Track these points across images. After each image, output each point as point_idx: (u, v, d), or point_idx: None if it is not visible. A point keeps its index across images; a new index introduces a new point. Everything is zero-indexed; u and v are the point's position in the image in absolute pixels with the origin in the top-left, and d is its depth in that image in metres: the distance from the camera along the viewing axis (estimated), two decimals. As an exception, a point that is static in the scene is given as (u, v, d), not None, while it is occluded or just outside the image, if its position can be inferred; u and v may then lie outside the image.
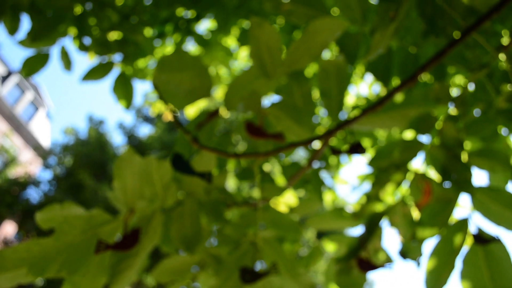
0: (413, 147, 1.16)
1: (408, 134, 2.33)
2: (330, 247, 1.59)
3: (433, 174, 1.24)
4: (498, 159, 1.11)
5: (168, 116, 3.37)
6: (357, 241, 1.16)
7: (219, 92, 3.80)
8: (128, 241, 0.76)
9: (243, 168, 1.32)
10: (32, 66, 1.93)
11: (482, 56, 1.21)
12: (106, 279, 0.83)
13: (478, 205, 1.12)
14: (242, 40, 2.46)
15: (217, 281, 0.99)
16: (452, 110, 1.16)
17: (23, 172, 14.02)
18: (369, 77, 3.04)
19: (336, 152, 0.92)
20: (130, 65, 2.25)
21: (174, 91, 0.92)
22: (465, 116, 1.19)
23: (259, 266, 1.07)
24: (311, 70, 2.81)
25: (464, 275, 1.08)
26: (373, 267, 1.03)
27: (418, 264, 1.17)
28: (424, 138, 1.21)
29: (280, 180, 2.22)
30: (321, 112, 2.78)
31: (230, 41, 3.01)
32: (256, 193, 1.16)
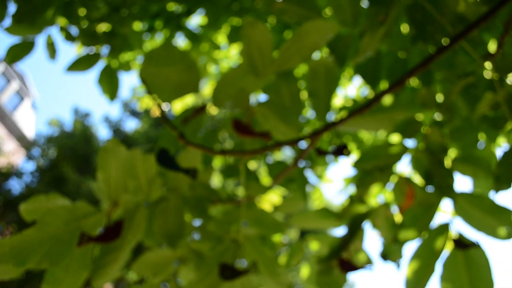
0: (398, 151, 1.17)
1: (394, 138, 2.35)
2: (312, 246, 1.60)
3: (417, 178, 1.26)
4: (481, 165, 1.13)
5: (156, 111, 3.34)
6: (339, 242, 1.17)
7: (207, 88, 3.79)
8: (111, 234, 0.75)
9: (228, 166, 1.32)
10: (17, 53, 1.90)
11: (469, 64, 1.22)
12: (88, 273, 0.82)
13: (459, 211, 1.14)
14: (232, 37, 2.46)
15: (197, 276, 0.98)
16: (438, 115, 1.17)
17: (6, 162, 13.80)
18: (358, 79, 3.06)
19: (322, 153, 0.92)
20: (117, 58, 2.22)
21: (162, 85, 0.91)
22: (450, 122, 1.20)
23: (240, 264, 1.07)
24: (300, 70, 2.81)
25: (443, 279, 1.09)
26: (354, 268, 1.04)
27: (398, 266, 1.18)
28: (410, 142, 1.22)
29: (265, 179, 2.22)
30: (309, 113, 2.79)
31: (221, 38, 3.01)
32: (240, 191, 1.15)
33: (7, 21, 1.81)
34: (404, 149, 1.17)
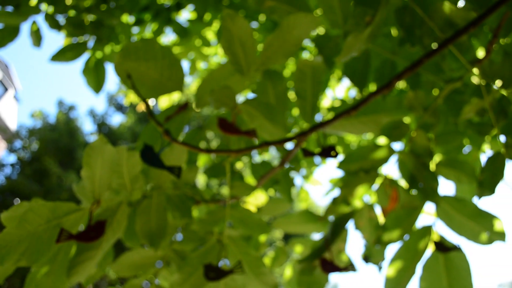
0: (384, 153, 1.17)
1: (380, 140, 2.36)
2: (296, 249, 1.60)
3: (401, 181, 1.26)
4: (465, 170, 1.14)
5: (141, 106, 3.29)
6: (322, 242, 1.17)
7: (195, 85, 3.76)
8: (93, 233, 0.73)
9: (213, 165, 1.31)
10: (0, 39, 1.85)
11: (457, 69, 1.23)
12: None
13: (442, 214, 1.14)
14: (221, 34, 2.44)
15: (180, 277, 0.97)
16: (424, 119, 1.18)
17: (-14, 153, 13.53)
18: (346, 81, 3.07)
19: (309, 154, 0.91)
20: (104, 48, 2.18)
21: (140, 81, 0.89)
22: (436, 126, 1.21)
23: (225, 264, 1.06)
24: (288, 70, 2.81)
25: (423, 281, 1.10)
26: (336, 268, 1.04)
27: (380, 268, 1.18)
28: (396, 145, 1.22)
29: (250, 179, 2.21)
30: (296, 113, 2.79)
31: (210, 35, 2.98)
32: (225, 190, 1.14)
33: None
34: (390, 152, 1.18)
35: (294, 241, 1.58)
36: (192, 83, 4.12)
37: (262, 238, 1.57)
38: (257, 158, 1.56)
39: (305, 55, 2.92)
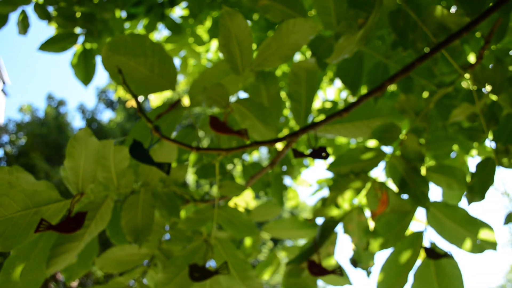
0: (375, 156, 1.17)
1: (371, 143, 2.37)
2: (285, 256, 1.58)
3: (391, 185, 1.26)
4: (456, 177, 1.13)
5: (131, 103, 3.26)
6: (310, 244, 1.16)
7: (184, 83, 3.74)
8: (72, 224, 0.72)
9: (203, 165, 1.29)
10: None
11: (449, 74, 1.23)
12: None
13: (432, 221, 1.14)
14: (214, 31, 2.43)
15: (165, 276, 0.96)
16: (416, 123, 1.18)
17: (-27, 147, 13.32)
18: (338, 82, 3.07)
19: (299, 154, 0.91)
20: (95, 41, 2.15)
21: (129, 77, 0.88)
22: (427, 131, 1.21)
23: (211, 265, 1.05)
24: (279, 71, 2.80)
25: (415, 289, 1.09)
26: (324, 271, 1.03)
27: (369, 274, 1.18)
28: (387, 148, 1.22)
29: (240, 180, 2.20)
30: (287, 113, 2.78)
31: (203, 33, 2.97)
32: (214, 190, 1.13)
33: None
34: (382, 155, 1.17)
35: (282, 248, 1.57)
36: (183, 81, 4.09)
37: (254, 243, 1.55)
38: (248, 158, 1.55)
39: (297, 55, 2.92)
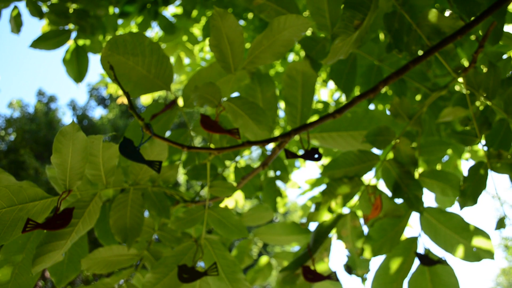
0: (369, 161, 1.16)
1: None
2: (280, 262, 1.56)
3: (385, 190, 1.25)
4: (450, 182, 1.12)
5: (123, 99, 3.22)
6: (304, 250, 1.15)
7: (180, 83, 3.71)
8: (59, 221, 0.70)
9: (194, 166, 1.28)
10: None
11: (442, 76, 1.23)
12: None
13: (426, 227, 1.13)
14: (208, 30, 2.41)
15: (153, 277, 0.94)
16: (409, 127, 1.17)
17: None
18: (332, 84, 3.07)
19: (292, 155, 0.90)
20: (88, 38, 2.12)
21: (127, 76, 0.86)
22: (420, 135, 1.21)
23: (200, 266, 1.03)
24: (272, 71, 2.79)
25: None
26: (319, 277, 1.02)
27: (364, 280, 1.17)
28: (379, 152, 1.22)
29: (232, 178, 2.18)
30: (280, 114, 2.77)
31: (196, 31, 2.95)
32: (205, 191, 1.12)
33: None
34: (376, 160, 1.17)
35: (275, 255, 1.55)
36: (176, 79, 4.07)
37: (245, 249, 1.53)
38: (240, 159, 1.54)
39: (291, 55, 2.91)
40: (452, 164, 1.74)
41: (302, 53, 2.76)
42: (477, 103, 1.06)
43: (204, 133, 1.18)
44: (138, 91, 0.91)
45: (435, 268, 1.06)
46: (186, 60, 3.14)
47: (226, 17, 0.81)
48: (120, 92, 3.20)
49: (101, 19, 2.18)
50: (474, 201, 1.03)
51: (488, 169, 1.05)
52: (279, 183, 1.50)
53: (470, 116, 1.07)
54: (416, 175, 1.17)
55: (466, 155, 1.88)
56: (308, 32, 1.48)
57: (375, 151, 1.26)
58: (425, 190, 1.13)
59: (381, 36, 1.46)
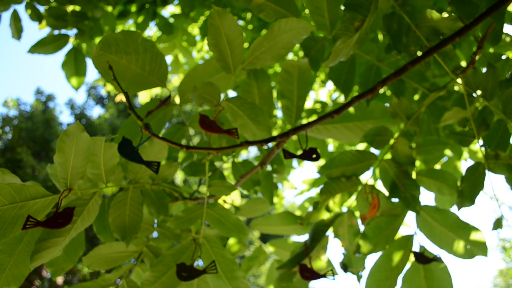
0: (367, 160, 1.17)
1: (361, 146, 2.37)
2: (274, 250, 1.58)
3: (382, 189, 1.26)
4: (447, 181, 1.13)
5: (121, 97, 3.22)
6: (301, 248, 1.15)
7: (177, 81, 3.71)
8: (60, 219, 0.71)
9: (192, 163, 1.28)
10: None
11: (440, 75, 1.24)
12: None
13: (422, 225, 1.14)
14: (205, 29, 2.42)
15: (152, 275, 0.94)
16: (407, 127, 1.18)
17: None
18: (330, 83, 3.08)
19: (290, 155, 0.90)
20: (86, 41, 2.13)
21: (121, 75, 0.86)
22: (418, 135, 1.21)
23: (198, 264, 1.04)
24: (271, 70, 2.80)
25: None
26: (316, 275, 1.02)
27: (359, 278, 1.17)
28: (377, 152, 1.22)
29: (230, 176, 2.18)
30: (277, 114, 2.77)
31: (195, 31, 2.95)
32: (203, 189, 1.12)
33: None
34: (374, 159, 1.17)
35: (271, 243, 1.57)
36: (174, 79, 4.07)
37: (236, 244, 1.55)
38: (239, 157, 1.54)
39: (290, 56, 2.91)
40: (451, 165, 1.75)
41: (301, 54, 2.77)
42: (476, 104, 1.06)
43: (203, 131, 1.18)
44: (133, 88, 0.92)
45: (429, 265, 1.07)
46: (184, 61, 3.13)
47: (225, 16, 0.81)
48: (119, 91, 3.20)
49: (99, 21, 2.18)
50: (471, 201, 1.04)
51: (485, 169, 1.05)
52: (277, 183, 1.51)
53: (468, 117, 1.08)
54: (414, 174, 1.17)
55: (465, 154, 1.89)
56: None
57: (373, 150, 1.26)
58: (422, 189, 1.14)
59: (380, 36, 1.47)
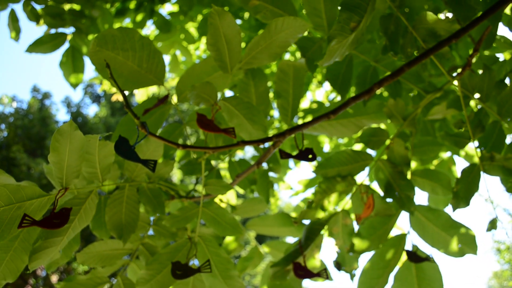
0: (363, 160, 1.17)
1: (357, 146, 2.37)
2: (269, 251, 1.58)
3: (377, 189, 1.26)
4: (440, 181, 1.14)
5: (117, 97, 3.21)
6: (295, 247, 1.16)
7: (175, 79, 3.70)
8: (57, 220, 0.71)
9: (189, 161, 1.28)
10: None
11: (436, 75, 1.24)
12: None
13: (415, 224, 1.15)
14: (204, 29, 2.42)
15: (147, 273, 0.94)
16: (403, 128, 1.18)
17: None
18: (327, 84, 3.08)
19: (286, 155, 0.90)
20: (83, 40, 2.12)
21: (117, 71, 0.86)
22: (414, 136, 1.22)
23: (194, 263, 1.04)
24: (268, 70, 2.80)
25: (395, 291, 1.10)
26: (309, 274, 1.03)
27: (352, 276, 1.18)
28: (373, 152, 1.22)
29: (226, 177, 2.19)
30: (273, 114, 2.78)
31: (192, 30, 2.95)
32: (200, 188, 1.12)
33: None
34: (369, 159, 1.18)
35: (266, 244, 1.57)
36: (172, 78, 4.06)
37: (234, 242, 1.55)
38: (235, 156, 1.55)
39: (287, 56, 2.92)
40: (446, 166, 1.76)
41: (298, 55, 2.77)
42: (472, 105, 1.07)
43: (200, 130, 1.18)
44: (130, 85, 0.91)
45: (421, 264, 1.08)
46: (183, 59, 3.13)
47: (224, 15, 0.82)
48: (114, 89, 3.19)
49: (96, 20, 2.18)
50: (466, 202, 1.04)
51: (480, 171, 1.06)
52: (274, 183, 1.51)
53: (464, 119, 1.08)
54: (409, 175, 1.18)
55: (462, 154, 1.90)
56: (305, 33, 1.49)
57: (370, 151, 1.27)
58: (416, 189, 1.15)
59: (376, 36, 1.47)
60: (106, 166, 0.88)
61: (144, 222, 1.10)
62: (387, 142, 1.19)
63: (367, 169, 1.20)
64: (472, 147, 1.80)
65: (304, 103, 3.16)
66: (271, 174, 1.44)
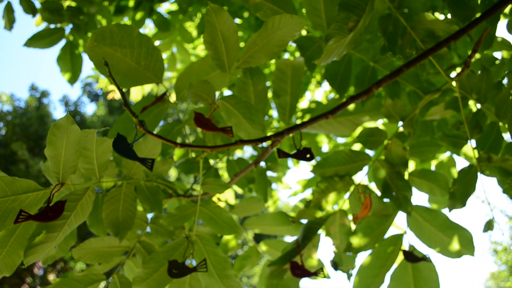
0: (360, 160, 1.17)
1: (356, 147, 2.37)
2: (267, 250, 1.58)
3: (374, 189, 1.26)
4: (438, 182, 1.14)
5: (113, 94, 3.19)
6: (293, 246, 1.16)
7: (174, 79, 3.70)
8: (51, 213, 0.70)
9: (187, 160, 1.28)
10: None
11: (434, 74, 1.24)
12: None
13: (412, 224, 1.15)
14: (202, 28, 2.41)
15: (144, 272, 0.94)
16: (401, 128, 1.18)
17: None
18: (326, 85, 3.08)
19: (284, 154, 0.90)
20: (82, 36, 2.12)
21: (115, 68, 0.86)
22: (412, 136, 1.22)
23: (191, 262, 1.03)
24: (267, 70, 2.80)
25: (391, 290, 1.10)
26: (306, 273, 1.03)
27: (349, 276, 1.18)
28: (371, 153, 1.22)
29: (224, 176, 2.18)
30: (272, 114, 2.77)
31: (191, 29, 2.94)
32: (198, 187, 1.12)
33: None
34: (367, 159, 1.18)
35: (264, 242, 1.57)
36: (170, 77, 4.06)
37: (232, 240, 1.55)
38: (232, 155, 1.55)
39: (286, 55, 2.92)
40: (446, 168, 1.76)
41: (297, 54, 2.77)
42: (470, 106, 1.07)
43: (198, 129, 1.18)
44: (128, 83, 0.91)
45: (417, 264, 1.08)
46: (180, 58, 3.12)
47: (221, 13, 0.81)
48: (111, 87, 3.17)
49: (94, 17, 2.17)
50: (463, 203, 1.05)
51: (478, 172, 1.06)
52: (272, 183, 1.51)
53: (462, 120, 1.08)
54: (406, 175, 1.18)
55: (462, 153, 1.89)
56: (304, 32, 1.49)
57: (368, 151, 1.27)
58: (414, 189, 1.15)
59: (375, 37, 1.47)
60: (104, 163, 0.87)
61: (142, 220, 1.10)
62: (385, 142, 1.19)
63: (365, 169, 1.20)
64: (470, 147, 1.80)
65: (303, 103, 3.16)
66: (269, 173, 1.44)
